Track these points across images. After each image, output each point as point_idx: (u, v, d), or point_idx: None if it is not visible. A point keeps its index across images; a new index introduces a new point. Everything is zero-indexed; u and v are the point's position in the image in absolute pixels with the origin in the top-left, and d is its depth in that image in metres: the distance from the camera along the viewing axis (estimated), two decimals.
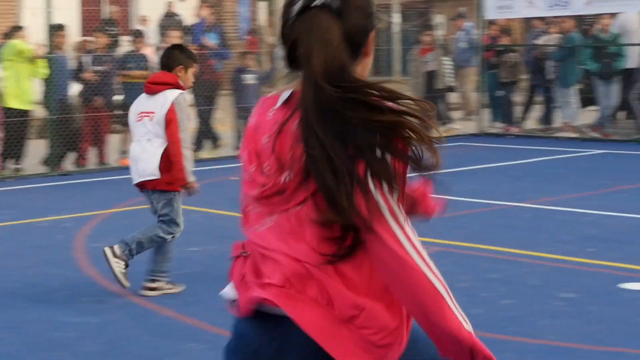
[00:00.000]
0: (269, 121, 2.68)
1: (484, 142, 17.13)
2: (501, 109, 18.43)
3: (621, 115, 17.87)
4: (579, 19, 18.40)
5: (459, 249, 8.40)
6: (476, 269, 7.69)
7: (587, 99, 17.35)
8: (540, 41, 17.82)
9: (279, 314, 2.61)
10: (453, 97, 20.02)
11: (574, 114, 17.10)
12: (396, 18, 17.77)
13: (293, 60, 2.64)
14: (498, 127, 18.37)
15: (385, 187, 2.50)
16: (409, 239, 2.54)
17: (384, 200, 2.51)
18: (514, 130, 18.08)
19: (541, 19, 18.35)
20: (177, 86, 7.02)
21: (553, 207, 10.40)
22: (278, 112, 2.67)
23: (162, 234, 7.01)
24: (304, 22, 2.58)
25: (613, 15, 16.67)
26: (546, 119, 18.12)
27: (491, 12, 17.70)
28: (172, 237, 7.07)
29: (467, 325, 2.56)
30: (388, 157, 2.50)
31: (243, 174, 2.73)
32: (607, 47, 16.35)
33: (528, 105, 18.48)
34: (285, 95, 2.68)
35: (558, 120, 17.73)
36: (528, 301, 6.80)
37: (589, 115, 17.43)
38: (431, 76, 17.88)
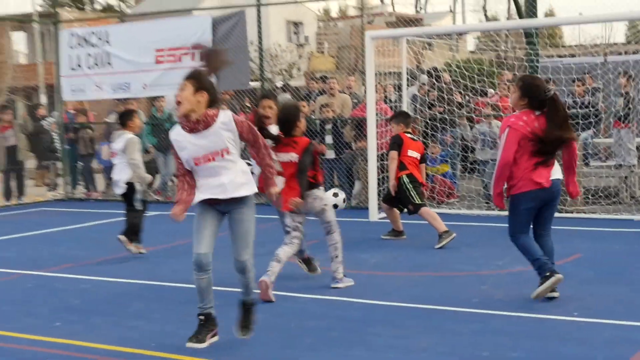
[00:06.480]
0: (534, 120, 6.40)
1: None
2: (83, 177, 16.53)
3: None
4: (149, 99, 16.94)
5: None
6: None
7: (153, 168, 15.82)
8: (111, 119, 16.07)
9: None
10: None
11: None
12: None
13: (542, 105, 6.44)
14: (80, 193, 16.41)
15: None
16: None
17: None
18: (95, 195, 16.19)
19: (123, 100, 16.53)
20: None
21: (66, 274, 8.53)
22: (535, 117, 6.42)
23: None
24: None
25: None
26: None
27: (67, 94, 15.67)
28: None
29: None
30: None
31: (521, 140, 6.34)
32: (163, 124, 14.90)
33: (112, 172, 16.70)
34: (537, 113, 6.41)
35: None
36: None
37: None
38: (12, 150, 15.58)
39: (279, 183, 7.00)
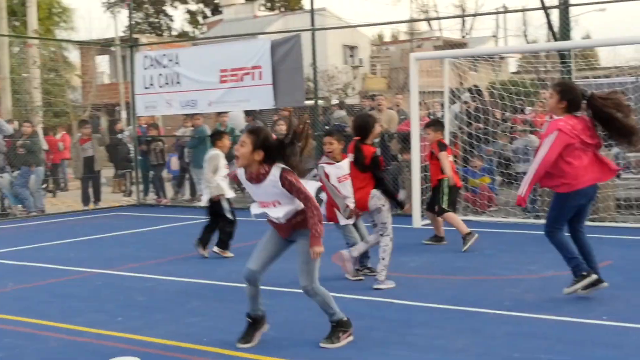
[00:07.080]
0: (578, 123, 6.14)
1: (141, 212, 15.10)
2: (154, 185, 16.61)
3: None
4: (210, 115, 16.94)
5: None
6: None
7: None
8: (179, 132, 16.16)
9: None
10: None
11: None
12: None
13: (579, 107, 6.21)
14: (151, 199, 16.48)
15: None
16: None
17: None
18: (164, 201, 16.25)
19: (190, 115, 16.55)
20: None
21: (132, 273, 8.48)
22: (579, 120, 6.18)
23: None
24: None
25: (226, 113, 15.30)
26: (191, 192, 16.46)
27: (140, 110, 15.81)
28: None
29: None
30: None
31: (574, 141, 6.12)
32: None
33: (180, 181, 16.85)
34: (578, 115, 6.17)
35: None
36: None
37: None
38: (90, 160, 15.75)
39: (350, 204, 7.15)
